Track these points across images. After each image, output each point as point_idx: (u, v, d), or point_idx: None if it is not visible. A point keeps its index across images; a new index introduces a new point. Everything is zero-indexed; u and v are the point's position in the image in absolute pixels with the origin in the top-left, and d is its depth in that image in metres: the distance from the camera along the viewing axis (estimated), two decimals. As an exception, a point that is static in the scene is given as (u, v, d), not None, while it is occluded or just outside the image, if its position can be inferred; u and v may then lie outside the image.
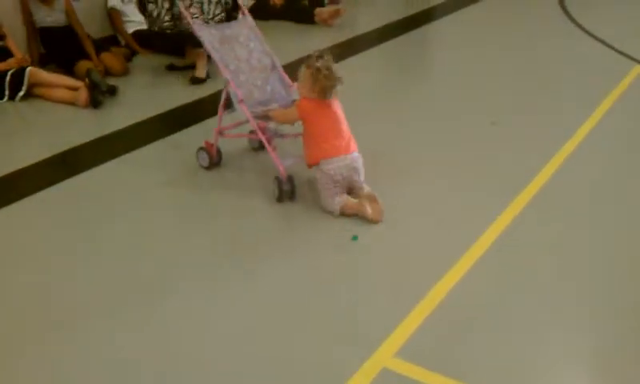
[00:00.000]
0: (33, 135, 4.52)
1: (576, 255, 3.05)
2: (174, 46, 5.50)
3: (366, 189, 3.41)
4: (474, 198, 3.54)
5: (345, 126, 3.46)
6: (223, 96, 3.73)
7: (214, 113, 3.92)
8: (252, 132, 3.73)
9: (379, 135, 4.28)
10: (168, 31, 5.02)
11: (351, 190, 3.42)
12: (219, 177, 3.82)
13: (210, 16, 5.00)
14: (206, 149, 3.83)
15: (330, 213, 3.37)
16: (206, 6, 4.97)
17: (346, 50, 6.16)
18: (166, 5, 5.04)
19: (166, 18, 5.07)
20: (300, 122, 3.50)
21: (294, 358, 2.46)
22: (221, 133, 3.83)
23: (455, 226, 3.28)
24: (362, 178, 3.44)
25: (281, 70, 3.93)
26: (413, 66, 6.02)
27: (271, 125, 3.76)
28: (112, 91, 4.99)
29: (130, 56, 5.89)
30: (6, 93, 4.94)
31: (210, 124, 4.44)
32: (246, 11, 4.04)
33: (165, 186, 3.73)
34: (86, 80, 4.82)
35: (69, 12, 5.50)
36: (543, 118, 4.54)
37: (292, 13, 6.96)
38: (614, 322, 2.63)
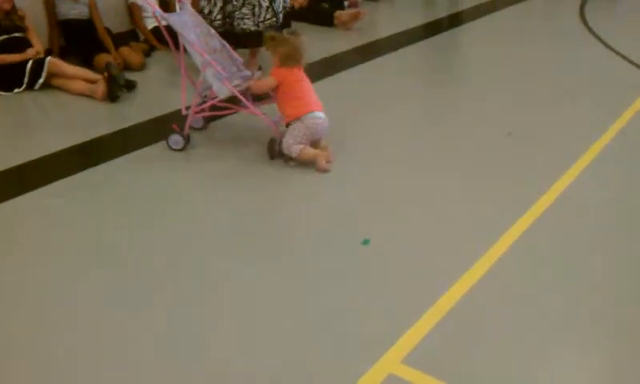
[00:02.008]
0: (49, 126, 4.55)
1: (588, 268, 3.02)
2: None
3: (323, 143, 3.97)
4: (488, 205, 3.52)
5: (314, 92, 4.02)
6: (200, 79, 4.04)
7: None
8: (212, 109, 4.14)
9: (392, 139, 4.28)
10: (219, 30, 5.07)
11: (313, 144, 3.94)
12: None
13: (261, 19, 5.01)
14: (178, 132, 4.07)
15: (289, 154, 3.87)
16: (257, 9, 4.99)
17: (365, 53, 6.16)
18: (219, 3, 5.05)
19: (218, 16, 5.07)
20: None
21: (299, 358, 2.45)
22: (197, 112, 4.13)
23: (468, 233, 3.27)
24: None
25: (230, 50, 4.27)
26: (430, 72, 6.00)
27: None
28: (130, 85, 5.01)
29: (149, 51, 5.92)
30: (25, 80, 4.97)
31: (227, 121, 4.48)
32: (186, 0, 4.30)
33: (181, 184, 3.76)
34: (105, 73, 4.85)
35: (91, 5, 5.55)
36: (560, 129, 4.50)
37: (312, 15, 6.95)
38: (626, 342, 2.60)
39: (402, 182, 3.76)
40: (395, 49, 6.34)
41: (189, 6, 4.28)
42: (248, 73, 4.24)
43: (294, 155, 3.88)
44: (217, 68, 3.94)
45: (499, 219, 3.35)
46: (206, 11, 5.17)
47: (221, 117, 4.40)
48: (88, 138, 4.26)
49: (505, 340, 2.56)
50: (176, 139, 4.06)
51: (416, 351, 2.47)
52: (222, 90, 4.00)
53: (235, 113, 4.29)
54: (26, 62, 4.99)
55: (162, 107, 4.75)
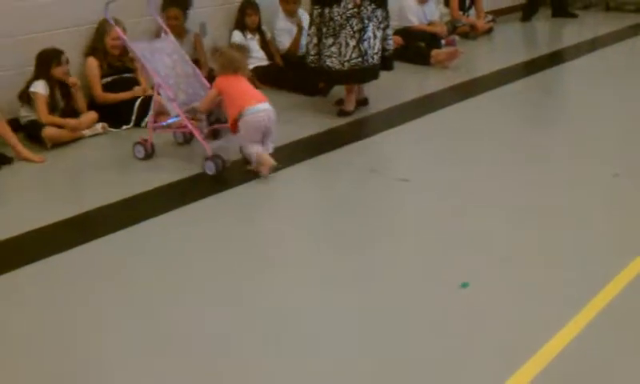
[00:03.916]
0: (151, 163, 4.68)
1: None
2: (307, 80, 5.76)
3: (270, 148, 4.28)
4: (594, 251, 3.37)
5: (254, 88, 4.40)
6: (154, 98, 4.57)
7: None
8: (180, 127, 4.59)
9: (489, 178, 4.20)
10: (312, 65, 5.24)
11: (263, 140, 4.25)
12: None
13: (346, 58, 5.10)
14: (142, 143, 4.57)
15: (249, 157, 4.21)
16: (343, 48, 5.08)
17: (462, 92, 6.10)
18: (315, 40, 5.21)
19: (313, 52, 5.24)
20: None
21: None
22: (154, 129, 4.61)
23: (573, 278, 3.13)
24: (273, 136, 4.31)
25: (200, 76, 4.77)
26: (530, 111, 5.86)
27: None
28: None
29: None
30: (133, 118, 5.21)
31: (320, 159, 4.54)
32: (169, 31, 4.91)
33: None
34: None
35: (197, 46, 5.78)
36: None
37: (408, 54, 6.96)
38: None
39: (497, 221, 3.68)
40: (493, 87, 6.25)
41: (170, 36, 4.88)
42: None
43: (253, 159, 4.21)
44: (166, 90, 4.45)
45: (607, 267, 3.20)
46: (307, 48, 5.31)
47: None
48: (191, 174, 4.38)
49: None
50: (139, 149, 4.59)
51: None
52: (172, 111, 4.50)
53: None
54: (135, 100, 5.24)
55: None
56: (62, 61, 4.96)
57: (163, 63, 4.62)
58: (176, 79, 4.63)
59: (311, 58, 5.26)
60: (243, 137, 4.24)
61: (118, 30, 4.76)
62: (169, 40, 4.85)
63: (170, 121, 4.66)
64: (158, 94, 4.53)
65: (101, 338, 2.79)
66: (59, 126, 4.88)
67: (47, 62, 4.90)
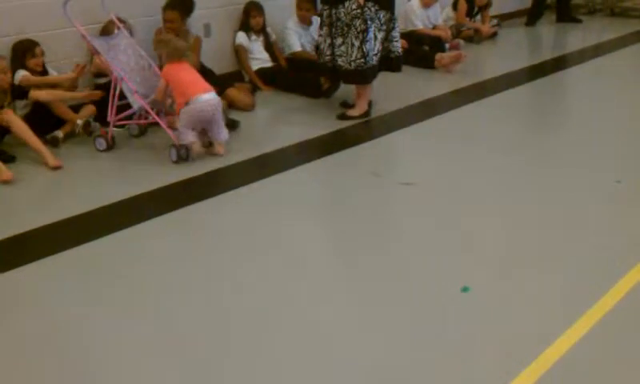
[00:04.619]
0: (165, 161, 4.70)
1: None
2: (310, 82, 5.86)
3: (223, 136, 4.59)
4: (593, 258, 3.36)
5: (201, 78, 4.60)
6: (117, 91, 4.69)
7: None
8: (133, 117, 4.84)
9: (492, 182, 4.19)
10: (328, 65, 5.30)
11: (207, 132, 4.57)
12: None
13: (352, 58, 5.12)
14: (103, 136, 4.77)
15: (184, 141, 4.44)
16: (349, 49, 5.10)
17: (466, 96, 6.10)
18: (328, 40, 5.25)
19: (327, 52, 5.28)
20: None
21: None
22: (114, 122, 4.77)
23: (573, 284, 3.13)
24: (222, 124, 4.59)
25: (155, 68, 4.93)
26: (534, 116, 5.86)
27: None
28: (233, 125, 5.15)
29: (253, 92, 6.08)
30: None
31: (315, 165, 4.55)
32: (121, 26, 5.01)
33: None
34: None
35: (194, 48, 5.68)
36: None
37: (413, 57, 6.95)
38: None
39: (497, 224, 3.68)
40: (497, 92, 6.25)
41: (124, 31, 5.02)
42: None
43: (186, 142, 4.44)
44: (128, 83, 4.66)
45: (608, 273, 3.19)
46: (320, 48, 5.34)
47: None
48: (194, 175, 4.39)
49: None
50: (100, 141, 4.78)
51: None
52: (135, 103, 4.68)
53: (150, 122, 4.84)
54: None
55: (262, 147, 4.85)
56: (37, 52, 4.92)
57: (119, 59, 4.80)
58: (130, 74, 4.79)
59: (327, 57, 5.30)
60: (183, 124, 4.47)
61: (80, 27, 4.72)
62: (122, 36, 4.98)
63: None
64: (118, 88, 4.69)
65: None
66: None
67: (22, 53, 4.88)
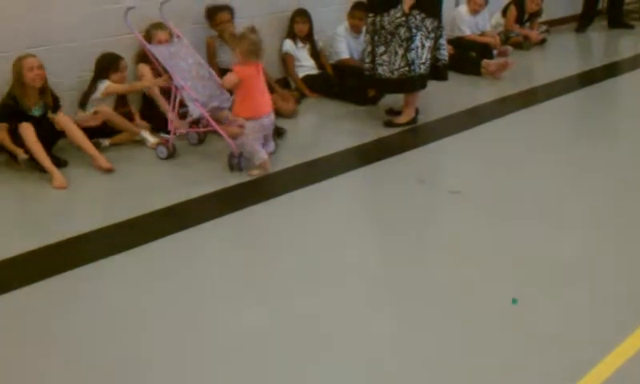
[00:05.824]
0: (199, 171, 4.76)
1: None
2: (357, 89, 5.87)
3: (271, 149, 4.62)
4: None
5: (267, 93, 4.57)
6: (177, 100, 4.73)
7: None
8: (193, 126, 4.92)
9: (541, 191, 4.14)
10: (367, 73, 5.31)
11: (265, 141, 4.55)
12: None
13: (395, 67, 5.13)
14: (164, 144, 4.82)
15: (253, 158, 4.42)
16: (392, 57, 5.11)
17: (514, 103, 6.03)
18: (369, 48, 5.26)
19: (367, 59, 5.30)
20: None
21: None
22: (175, 131, 4.81)
23: (626, 298, 3.07)
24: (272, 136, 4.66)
25: (216, 77, 4.94)
26: (584, 124, 5.77)
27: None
28: (279, 133, 5.18)
29: (299, 99, 6.12)
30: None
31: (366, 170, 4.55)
32: (181, 34, 5.01)
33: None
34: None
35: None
36: None
37: (459, 64, 6.91)
38: None
39: (546, 239, 3.62)
40: (546, 99, 6.16)
41: (184, 40, 5.00)
42: (228, 96, 4.86)
43: (257, 162, 4.41)
44: (189, 92, 4.66)
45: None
46: (363, 56, 5.36)
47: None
48: (232, 184, 4.42)
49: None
50: (161, 150, 4.81)
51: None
52: (195, 111, 4.68)
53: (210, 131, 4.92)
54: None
55: (308, 153, 4.88)
56: (121, 67, 5.06)
57: (180, 67, 4.80)
58: (193, 82, 4.78)
59: (367, 65, 5.31)
60: (249, 135, 4.41)
61: (137, 34, 4.85)
62: (182, 44, 4.98)
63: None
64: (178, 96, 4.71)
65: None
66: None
67: (106, 67, 5.02)
